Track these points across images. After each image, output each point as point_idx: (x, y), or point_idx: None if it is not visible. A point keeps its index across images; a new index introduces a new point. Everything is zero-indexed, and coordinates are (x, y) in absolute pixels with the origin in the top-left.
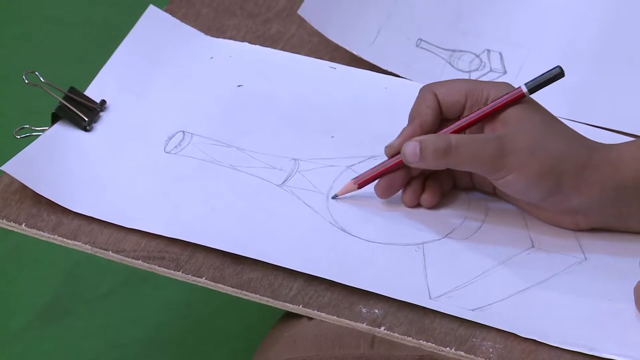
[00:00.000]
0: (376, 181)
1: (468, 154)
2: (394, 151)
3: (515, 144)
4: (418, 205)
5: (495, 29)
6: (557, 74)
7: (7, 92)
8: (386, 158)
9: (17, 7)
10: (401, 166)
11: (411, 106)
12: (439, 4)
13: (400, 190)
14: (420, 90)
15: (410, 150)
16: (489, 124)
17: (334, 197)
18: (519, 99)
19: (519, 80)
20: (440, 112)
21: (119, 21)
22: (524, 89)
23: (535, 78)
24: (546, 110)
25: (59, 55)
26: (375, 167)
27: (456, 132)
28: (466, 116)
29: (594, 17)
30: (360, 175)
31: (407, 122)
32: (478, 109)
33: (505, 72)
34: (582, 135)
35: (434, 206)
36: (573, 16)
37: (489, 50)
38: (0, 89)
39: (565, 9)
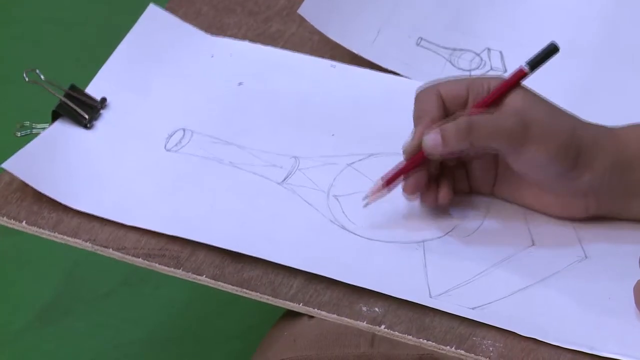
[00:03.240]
0: (402, 182)
1: (490, 128)
2: (411, 150)
3: (535, 116)
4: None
5: (496, 28)
6: (553, 49)
7: (8, 92)
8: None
9: (17, 7)
10: (422, 163)
11: (411, 104)
12: (440, 3)
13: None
14: (419, 92)
15: (432, 138)
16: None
17: (365, 203)
18: (521, 79)
19: None
20: (445, 109)
21: (119, 21)
22: (526, 67)
23: (533, 56)
24: (538, 94)
25: (59, 56)
26: (398, 165)
27: None
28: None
29: (595, 16)
30: (386, 174)
31: (412, 122)
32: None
33: (505, 71)
34: (577, 116)
35: (448, 203)
36: (573, 15)
37: (489, 49)
38: (1, 89)
39: (566, 8)
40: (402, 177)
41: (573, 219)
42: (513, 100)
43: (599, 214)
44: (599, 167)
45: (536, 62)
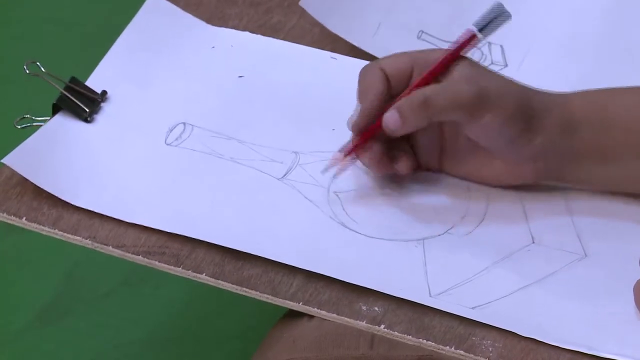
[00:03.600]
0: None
1: (446, 99)
2: (360, 127)
3: (488, 84)
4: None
5: None
6: (501, 12)
7: (8, 91)
8: None
9: (17, 7)
10: (376, 135)
11: None
12: None
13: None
14: (363, 68)
15: (390, 118)
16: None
17: (325, 171)
18: (471, 43)
19: (520, 73)
20: (390, 85)
21: (119, 21)
22: (475, 29)
23: (480, 19)
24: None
25: (59, 55)
26: (353, 138)
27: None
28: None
29: (596, 11)
30: (343, 147)
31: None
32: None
33: (506, 65)
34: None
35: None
36: (575, 9)
37: (490, 43)
38: (1, 88)
39: (567, 2)
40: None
41: (520, 184)
42: (461, 69)
43: (548, 180)
44: (550, 128)
45: (485, 26)
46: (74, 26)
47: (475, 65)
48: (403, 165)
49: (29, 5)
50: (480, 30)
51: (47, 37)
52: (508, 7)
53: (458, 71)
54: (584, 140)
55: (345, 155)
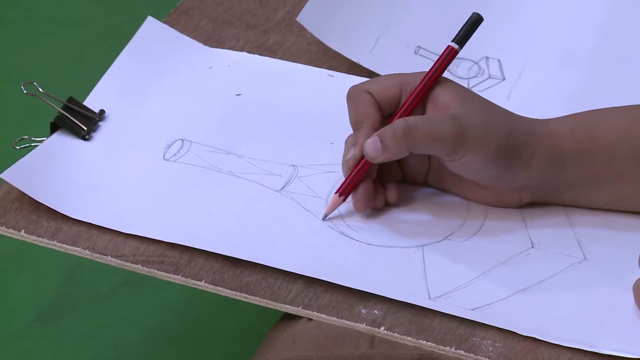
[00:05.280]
0: (354, 197)
1: (427, 132)
2: (356, 162)
3: (471, 121)
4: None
5: (494, 37)
6: (476, 20)
7: (7, 91)
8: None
9: (16, 7)
10: (368, 171)
11: None
12: (438, 12)
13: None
14: (351, 94)
15: (371, 145)
16: (430, 110)
17: (324, 218)
18: (452, 58)
19: (518, 87)
20: (381, 110)
21: (118, 22)
22: (455, 46)
23: (458, 32)
24: (471, 90)
25: (58, 56)
26: (350, 174)
27: (408, 113)
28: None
29: (591, 24)
30: (340, 187)
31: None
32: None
33: (504, 79)
34: (512, 112)
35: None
36: (570, 23)
37: (487, 58)
38: (0, 88)
39: (562, 17)
40: (353, 185)
41: (506, 207)
42: (445, 98)
43: (533, 202)
44: (534, 166)
45: (464, 38)
46: (74, 26)
47: (460, 94)
48: (393, 194)
49: (29, 6)
50: (459, 42)
51: (47, 37)
52: (504, 21)
53: (442, 99)
54: (568, 173)
55: (342, 194)
